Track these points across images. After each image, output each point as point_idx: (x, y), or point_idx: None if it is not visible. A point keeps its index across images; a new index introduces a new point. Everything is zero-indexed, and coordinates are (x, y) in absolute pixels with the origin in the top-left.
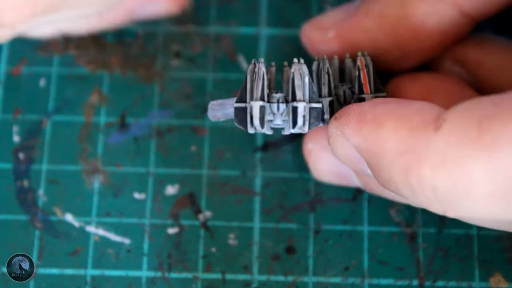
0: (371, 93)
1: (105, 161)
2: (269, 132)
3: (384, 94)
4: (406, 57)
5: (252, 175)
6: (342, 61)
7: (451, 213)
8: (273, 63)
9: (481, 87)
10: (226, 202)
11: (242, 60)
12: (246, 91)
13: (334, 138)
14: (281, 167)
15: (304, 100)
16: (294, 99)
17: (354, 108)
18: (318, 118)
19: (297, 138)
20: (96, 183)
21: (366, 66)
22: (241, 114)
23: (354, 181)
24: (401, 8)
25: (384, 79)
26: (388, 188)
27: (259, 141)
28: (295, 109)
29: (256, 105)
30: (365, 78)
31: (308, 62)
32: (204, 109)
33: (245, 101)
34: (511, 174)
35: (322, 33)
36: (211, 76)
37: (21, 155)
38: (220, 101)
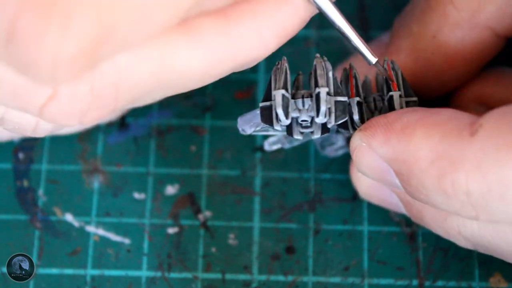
0: (401, 97)
1: (105, 161)
2: (299, 137)
3: (415, 99)
4: (447, 86)
5: (252, 175)
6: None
7: (483, 217)
8: (300, 72)
9: None
10: (226, 202)
11: None
12: (271, 90)
13: (358, 150)
14: (281, 167)
15: (326, 87)
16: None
17: (379, 119)
18: (345, 111)
19: None
20: (96, 183)
21: (394, 69)
22: (267, 112)
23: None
24: (434, 41)
25: None
26: (417, 197)
27: (259, 141)
28: (317, 96)
29: (278, 93)
30: (392, 76)
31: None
32: (204, 109)
33: (270, 100)
34: None
35: None
36: None
37: (21, 155)
38: (247, 115)
